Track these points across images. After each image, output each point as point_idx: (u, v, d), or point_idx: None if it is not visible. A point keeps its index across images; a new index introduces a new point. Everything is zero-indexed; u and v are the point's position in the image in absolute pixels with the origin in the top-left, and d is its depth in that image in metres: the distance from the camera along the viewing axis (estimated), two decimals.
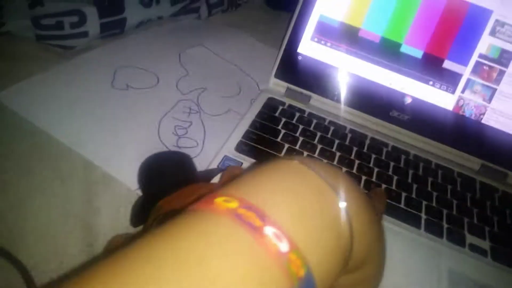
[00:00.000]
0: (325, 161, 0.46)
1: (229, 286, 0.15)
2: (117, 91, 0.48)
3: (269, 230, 0.16)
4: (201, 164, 0.43)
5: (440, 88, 0.50)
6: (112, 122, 0.45)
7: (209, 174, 0.39)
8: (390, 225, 0.41)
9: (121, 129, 0.44)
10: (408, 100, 0.51)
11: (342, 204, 0.19)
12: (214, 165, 0.42)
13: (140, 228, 0.36)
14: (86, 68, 0.51)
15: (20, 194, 0.37)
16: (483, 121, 0.50)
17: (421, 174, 0.48)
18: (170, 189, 0.33)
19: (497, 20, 0.47)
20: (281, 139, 0.47)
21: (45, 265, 0.33)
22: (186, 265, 0.15)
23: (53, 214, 0.37)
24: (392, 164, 0.48)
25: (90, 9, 0.53)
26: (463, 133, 0.51)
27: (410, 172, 0.47)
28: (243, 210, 0.17)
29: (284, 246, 0.16)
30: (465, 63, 0.49)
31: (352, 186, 0.21)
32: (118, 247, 0.26)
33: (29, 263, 0.32)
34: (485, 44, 0.48)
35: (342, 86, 0.52)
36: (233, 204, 0.17)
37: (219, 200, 0.17)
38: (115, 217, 0.37)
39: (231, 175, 0.36)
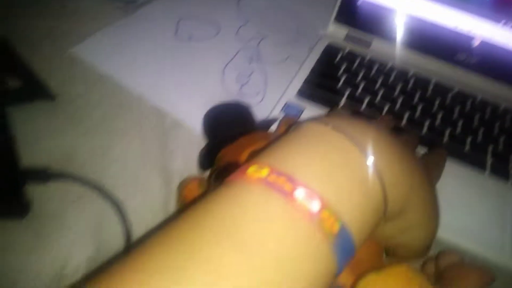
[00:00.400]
0: (386, 106, 0.46)
1: (265, 247, 0.16)
2: (181, 42, 0.50)
3: (299, 192, 0.17)
4: (263, 110, 0.44)
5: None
6: (178, 72, 0.47)
7: (267, 123, 0.41)
8: (456, 168, 0.41)
9: (187, 78, 0.46)
10: (476, 42, 0.49)
11: (370, 160, 0.20)
12: (276, 112, 0.44)
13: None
14: (149, 21, 0.53)
15: (101, 141, 0.41)
16: None
17: (488, 118, 0.46)
18: (230, 139, 0.35)
19: None
20: (341, 85, 0.47)
21: (132, 200, 0.37)
22: (225, 231, 0.16)
23: (133, 158, 0.40)
24: (457, 108, 0.47)
25: None
26: None
27: (477, 116, 0.46)
28: (273, 177, 0.18)
29: (315, 206, 0.17)
30: None
31: (382, 140, 0.22)
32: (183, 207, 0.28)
33: (117, 198, 0.36)
34: None
35: (405, 29, 0.50)
36: (264, 173, 0.18)
37: (251, 170, 0.19)
38: (188, 160, 0.40)
39: (286, 124, 0.37)
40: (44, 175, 0.36)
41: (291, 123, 0.37)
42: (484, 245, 0.36)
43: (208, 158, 0.36)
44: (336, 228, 0.18)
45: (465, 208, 0.38)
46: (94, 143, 0.41)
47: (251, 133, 0.35)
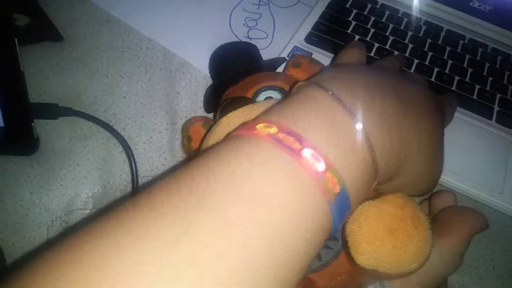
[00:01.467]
0: (396, 52, 0.45)
1: (271, 200, 0.17)
2: None
3: (307, 152, 0.18)
4: (270, 55, 0.44)
5: None
6: (186, 14, 0.46)
7: (275, 63, 0.40)
8: (462, 115, 0.41)
9: (195, 20, 0.46)
10: None
11: (358, 126, 0.20)
12: (284, 55, 0.43)
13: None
14: None
15: (109, 80, 0.41)
16: None
17: (498, 67, 0.46)
18: (237, 78, 0.35)
19: None
20: (351, 31, 0.46)
21: (138, 139, 0.38)
22: (234, 182, 0.17)
23: (140, 98, 0.40)
24: (467, 57, 0.46)
25: None
26: None
27: (487, 65, 0.45)
28: (283, 134, 0.18)
29: (321, 166, 0.18)
30: None
31: (379, 103, 0.21)
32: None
33: (124, 136, 0.37)
34: None
35: None
36: (274, 130, 0.18)
37: (260, 126, 0.19)
38: (193, 101, 0.41)
39: (296, 62, 0.37)
40: (53, 111, 0.36)
41: (301, 61, 0.36)
42: (484, 188, 0.36)
43: (214, 98, 0.36)
44: (337, 188, 0.18)
45: (467, 153, 0.38)
46: (102, 82, 0.41)
47: (258, 73, 0.35)
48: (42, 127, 0.37)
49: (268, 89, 0.33)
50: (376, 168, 0.20)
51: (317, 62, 0.37)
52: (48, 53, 0.42)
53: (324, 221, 0.18)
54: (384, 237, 0.23)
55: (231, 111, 0.27)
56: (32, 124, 0.35)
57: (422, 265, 0.24)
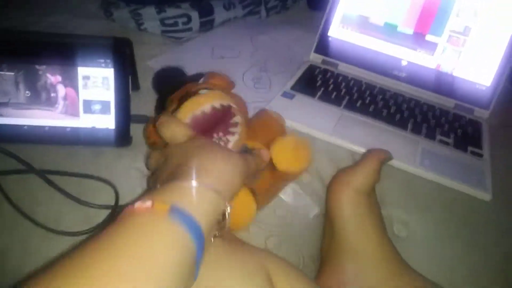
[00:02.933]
0: (346, 98, 0.72)
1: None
2: (215, 60, 0.78)
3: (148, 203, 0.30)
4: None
5: (424, 53, 0.76)
6: None
7: (197, 77, 0.55)
8: (391, 129, 0.67)
9: None
10: (404, 63, 0.77)
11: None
12: (278, 96, 0.70)
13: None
14: (195, 48, 0.81)
15: None
16: (454, 74, 0.75)
17: (412, 107, 0.73)
18: (172, 90, 0.52)
19: (459, 7, 0.73)
20: (318, 86, 0.74)
21: None
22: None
23: None
24: (392, 100, 0.73)
25: (194, 13, 0.83)
26: (442, 82, 0.76)
27: (404, 105, 0.73)
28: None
29: (148, 203, 0.30)
30: (440, 35, 0.74)
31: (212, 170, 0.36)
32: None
33: None
34: (453, 22, 0.74)
35: (359, 56, 0.79)
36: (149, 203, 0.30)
37: (138, 203, 0.30)
38: None
39: (210, 77, 0.53)
40: (143, 119, 0.60)
41: (215, 77, 0.54)
42: (403, 159, 0.61)
43: (161, 105, 0.56)
44: (166, 207, 0.30)
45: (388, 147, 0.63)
46: None
47: (186, 84, 0.52)
48: (134, 130, 0.60)
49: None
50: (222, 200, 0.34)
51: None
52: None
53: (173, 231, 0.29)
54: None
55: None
56: (129, 126, 0.59)
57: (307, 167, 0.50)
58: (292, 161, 0.49)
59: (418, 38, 0.75)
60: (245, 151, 0.47)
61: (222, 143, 0.46)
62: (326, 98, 0.71)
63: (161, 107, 0.55)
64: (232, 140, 0.46)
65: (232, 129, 0.47)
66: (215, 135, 0.46)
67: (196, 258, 0.30)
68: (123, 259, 0.26)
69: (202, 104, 0.45)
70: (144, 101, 0.63)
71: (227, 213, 0.34)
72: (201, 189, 0.33)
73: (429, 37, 0.75)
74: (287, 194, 0.56)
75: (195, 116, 0.45)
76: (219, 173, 0.36)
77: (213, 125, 0.46)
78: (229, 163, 0.38)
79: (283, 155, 0.49)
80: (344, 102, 0.71)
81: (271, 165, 0.48)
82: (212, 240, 0.35)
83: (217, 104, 0.46)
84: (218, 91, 0.47)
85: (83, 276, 0.24)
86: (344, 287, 0.49)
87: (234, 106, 0.47)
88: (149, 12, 0.82)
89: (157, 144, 0.49)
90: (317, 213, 0.55)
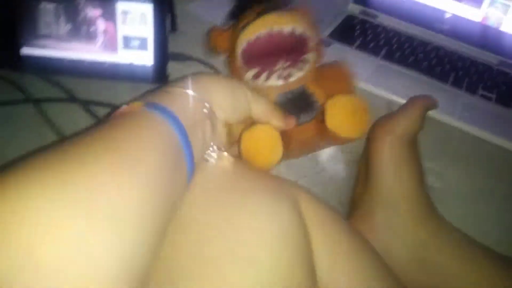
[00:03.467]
0: (385, 49, 0.70)
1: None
2: None
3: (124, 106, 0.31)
4: None
5: (470, 5, 0.72)
6: None
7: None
8: (430, 81, 0.65)
9: None
10: (448, 15, 0.74)
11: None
12: None
13: None
14: None
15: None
16: (501, 29, 0.71)
17: (454, 60, 0.70)
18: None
19: None
20: (356, 36, 0.72)
21: None
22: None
23: None
24: (432, 53, 0.71)
25: None
26: (487, 37, 0.72)
27: (446, 59, 0.70)
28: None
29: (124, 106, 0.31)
30: None
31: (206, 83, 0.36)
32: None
33: None
34: None
35: (399, 7, 0.76)
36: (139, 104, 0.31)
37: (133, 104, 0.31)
38: None
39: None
40: (181, 57, 0.60)
41: None
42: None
43: (236, 12, 0.49)
44: (141, 104, 0.30)
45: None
46: None
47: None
48: (171, 67, 0.60)
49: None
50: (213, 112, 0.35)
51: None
52: None
53: (158, 126, 0.29)
54: (348, 115, 0.42)
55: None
56: (167, 64, 0.59)
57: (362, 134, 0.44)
58: (346, 125, 0.42)
59: None
60: (302, 93, 0.45)
61: (283, 73, 0.43)
62: (363, 47, 0.69)
63: (236, 14, 0.48)
64: (295, 76, 0.43)
65: (300, 65, 0.43)
66: (280, 61, 0.43)
67: (182, 150, 0.30)
68: (103, 151, 0.25)
69: (284, 23, 0.41)
70: (182, 43, 0.63)
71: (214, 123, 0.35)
72: (177, 91, 0.33)
73: None
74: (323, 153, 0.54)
75: (271, 32, 0.41)
76: (205, 84, 0.36)
77: (282, 51, 0.43)
78: (222, 80, 0.38)
79: (337, 115, 0.42)
80: (383, 53, 0.69)
81: (322, 119, 0.43)
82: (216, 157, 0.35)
83: (299, 29, 0.42)
84: (305, 17, 0.43)
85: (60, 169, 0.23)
86: (373, 232, 0.49)
87: (312, 40, 0.44)
88: None
89: (218, 49, 0.49)
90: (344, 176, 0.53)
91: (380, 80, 0.63)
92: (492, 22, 0.72)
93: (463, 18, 0.73)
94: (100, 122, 0.30)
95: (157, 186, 0.26)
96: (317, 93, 0.44)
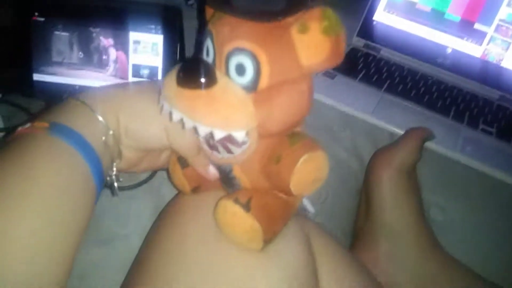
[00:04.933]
0: (387, 82, 0.71)
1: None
2: None
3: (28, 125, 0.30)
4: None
5: (471, 42, 0.74)
6: None
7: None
8: (432, 115, 0.66)
9: None
10: (449, 51, 0.76)
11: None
12: (319, 76, 0.70)
13: None
14: None
15: None
16: (502, 65, 0.73)
17: (455, 95, 0.72)
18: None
19: None
20: (360, 68, 0.73)
21: None
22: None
23: None
24: (434, 87, 0.72)
25: None
26: (487, 72, 0.74)
27: (447, 93, 0.72)
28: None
29: (28, 125, 0.30)
30: (489, 24, 0.72)
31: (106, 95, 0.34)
32: None
33: None
34: (504, 11, 0.72)
35: (403, 42, 0.78)
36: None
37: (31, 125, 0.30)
38: None
39: (303, 26, 0.28)
40: None
41: None
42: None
43: None
44: (46, 124, 0.29)
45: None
46: None
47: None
48: None
49: (241, 53, 0.28)
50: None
51: (331, 31, 0.27)
52: None
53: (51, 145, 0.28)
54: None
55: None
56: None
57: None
58: (310, 185, 0.31)
59: (466, 26, 0.74)
60: (225, 171, 0.34)
61: (212, 141, 0.32)
62: (367, 80, 0.71)
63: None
64: (221, 154, 0.32)
65: (232, 147, 0.31)
66: None
67: (88, 170, 0.29)
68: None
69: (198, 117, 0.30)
70: None
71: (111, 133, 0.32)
72: (84, 111, 0.31)
73: (477, 26, 0.73)
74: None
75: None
76: (116, 105, 0.33)
77: None
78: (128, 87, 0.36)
79: (304, 181, 0.30)
80: (385, 86, 0.70)
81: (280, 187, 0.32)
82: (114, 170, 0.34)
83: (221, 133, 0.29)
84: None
85: None
86: (376, 263, 0.49)
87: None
88: None
89: None
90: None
91: (383, 113, 0.64)
92: (492, 58, 0.73)
93: (464, 54, 0.74)
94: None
95: (51, 214, 0.27)
96: (243, 181, 0.34)
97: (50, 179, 0.27)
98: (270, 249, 0.32)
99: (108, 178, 0.34)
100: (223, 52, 0.29)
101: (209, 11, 0.32)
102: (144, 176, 0.49)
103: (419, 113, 0.66)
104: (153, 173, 0.50)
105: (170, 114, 0.29)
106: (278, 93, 0.29)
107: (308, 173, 0.30)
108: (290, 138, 0.31)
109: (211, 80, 0.28)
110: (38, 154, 0.27)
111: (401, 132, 0.61)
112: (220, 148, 0.31)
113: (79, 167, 0.29)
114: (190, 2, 0.83)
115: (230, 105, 0.28)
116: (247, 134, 0.29)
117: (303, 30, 0.27)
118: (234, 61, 0.28)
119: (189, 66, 0.29)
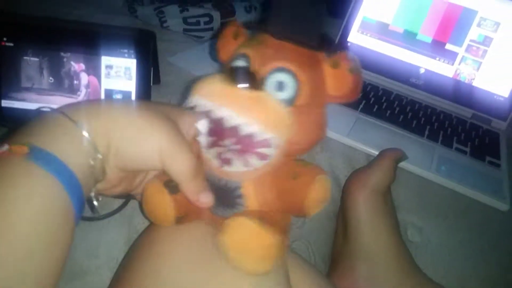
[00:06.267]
0: (363, 102, 0.72)
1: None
2: None
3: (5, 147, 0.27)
4: None
5: (443, 62, 0.76)
6: None
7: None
8: (407, 135, 0.67)
9: None
10: (422, 71, 0.77)
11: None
12: None
13: None
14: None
15: None
16: (473, 84, 0.75)
17: (429, 114, 0.73)
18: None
19: (481, 17, 0.73)
20: None
21: None
22: None
23: None
24: (408, 107, 0.73)
25: (216, 13, 0.84)
26: (460, 91, 0.75)
27: (421, 112, 0.73)
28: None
29: (5, 147, 0.27)
30: (460, 45, 0.74)
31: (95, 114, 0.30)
32: None
33: None
34: (474, 32, 0.73)
35: (376, 62, 0.79)
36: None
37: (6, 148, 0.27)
38: None
39: (335, 62, 0.34)
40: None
41: None
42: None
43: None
44: (25, 148, 0.27)
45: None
46: None
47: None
48: None
49: (282, 72, 0.32)
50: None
51: (355, 71, 0.34)
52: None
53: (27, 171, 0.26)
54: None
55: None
56: None
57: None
58: (320, 204, 0.32)
59: (438, 46, 0.75)
60: (231, 190, 0.34)
61: (224, 154, 0.32)
62: None
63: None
64: (234, 167, 0.32)
65: (250, 158, 0.32)
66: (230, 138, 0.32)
67: (67, 198, 0.27)
68: None
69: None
70: (165, 94, 0.64)
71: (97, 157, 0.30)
72: (72, 129, 0.29)
73: (449, 46, 0.75)
74: None
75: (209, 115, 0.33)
76: (107, 123, 0.31)
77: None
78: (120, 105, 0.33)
79: (317, 199, 0.32)
80: (361, 106, 0.71)
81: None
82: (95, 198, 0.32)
83: (249, 128, 0.31)
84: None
85: None
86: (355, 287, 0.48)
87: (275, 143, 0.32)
88: (172, 10, 0.83)
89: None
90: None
91: (359, 134, 0.64)
92: (463, 77, 0.75)
93: (437, 73, 0.76)
94: None
95: (22, 246, 0.25)
96: (250, 200, 0.34)
97: (24, 210, 0.25)
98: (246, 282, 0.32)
99: (87, 198, 0.32)
100: (265, 70, 0.32)
101: (227, 45, 0.38)
102: (116, 205, 0.48)
103: (394, 133, 0.67)
104: (126, 201, 0.49)
105: (209, 111, 0.31)
106: (309, 112, 0.33)
107: (322, 192, 0.32)
108: (300, 161, 0.34)
109: (261, 84, 0.32)
110: (12, 182, 0.26)
111: (376, 153, 0.61)
112: (236, 161, 0.32)
113: (57, 197, 0.27)
114: (165, 25, 0.83)
115: (276, 110, 0.31)
116: (278, 146, 0.31)
117: (335, 65, 0.34)
118: (273, 79, 0.32)
119: (242, 69, 0.33)
